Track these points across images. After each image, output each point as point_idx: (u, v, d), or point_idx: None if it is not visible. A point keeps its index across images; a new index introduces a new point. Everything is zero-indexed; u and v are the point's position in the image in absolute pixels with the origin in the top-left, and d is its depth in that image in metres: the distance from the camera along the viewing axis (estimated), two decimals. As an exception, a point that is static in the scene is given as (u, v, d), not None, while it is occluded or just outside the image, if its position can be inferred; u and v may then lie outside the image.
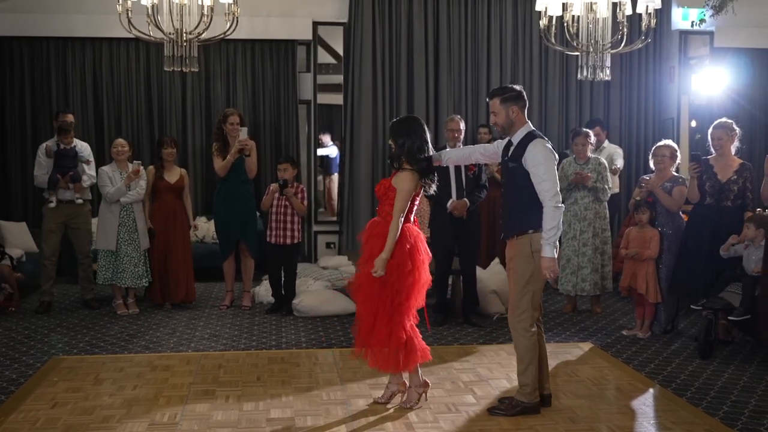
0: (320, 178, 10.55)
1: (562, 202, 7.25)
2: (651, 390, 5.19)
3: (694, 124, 10.33)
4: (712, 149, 6.42)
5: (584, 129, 7.63)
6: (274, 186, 7.30)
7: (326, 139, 10.33)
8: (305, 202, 7.50)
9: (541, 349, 4.70)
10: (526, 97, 4.70)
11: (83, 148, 7.78)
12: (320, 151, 10.27)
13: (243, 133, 7.39)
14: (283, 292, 7.52)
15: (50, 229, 7.62)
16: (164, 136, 8.46)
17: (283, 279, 7.53)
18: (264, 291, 7.94)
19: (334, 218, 10.23)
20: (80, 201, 7.64)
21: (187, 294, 7.70)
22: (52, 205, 7.52)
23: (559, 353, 6.06)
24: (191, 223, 7.79)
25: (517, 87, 4.71)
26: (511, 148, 4.67)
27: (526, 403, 4.63)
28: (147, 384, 5.27)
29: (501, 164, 4.93)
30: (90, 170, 7.72)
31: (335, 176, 10.42)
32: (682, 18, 10.20)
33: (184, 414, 4.68)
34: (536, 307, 4.62)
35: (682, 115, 10.39)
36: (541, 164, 4.48)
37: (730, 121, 6.49)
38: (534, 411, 4.63)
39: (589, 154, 7.37)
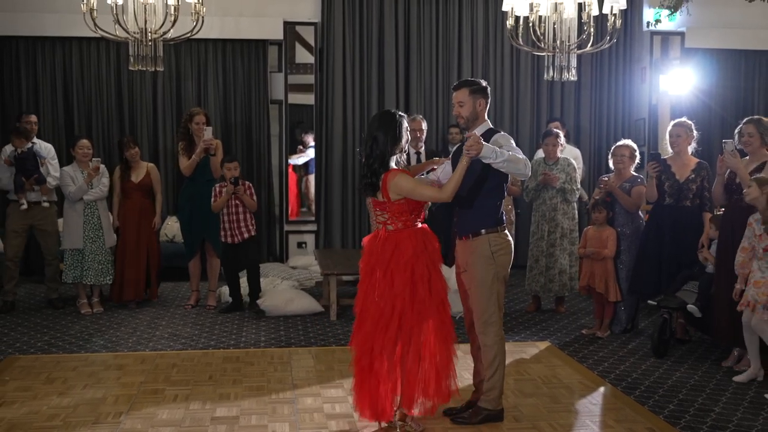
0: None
1: (531, 202, 7.34)
2: (601, 389, 5.21)
3: (672, 124, 10.37)
4: (669, 147, 6.44)
5: (555, 130, 7.63)
6: (228, 187, 7.27)
7: (309, 139, 10.24)
8: (254, 197, 7.50)
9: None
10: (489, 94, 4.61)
11: (45, 149, 7.76)
12: (300, 159, 10.26)
13: (208, 133, 7.39)
14: (247, 289, 7.52)
15: (14, 230, 7.60)
16: (123, 137, 8.39)
17: (247, 276, 7.54)
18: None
19: (307, 218, 10.21)
20: (47, 204, 7.64)
21: (150, 292, 7.80)
22: (24, 207, 7.50)
23: (516, 352, 6.08)
24: (155, 220, 7.79)
25: (483, 82, 4.57)
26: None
27: (490, 410, 4.48)
28: (98, 383, 5.27)
29: (452, 160, 4.70)
30: (54, 171, 7.70)
31: (311, 176, 10.32)
32: (653, 19, 10.22)
33: (129, 413, 4.68)
34: (501, 308, 4.49)
35: (661, 116, 10.42)
36: (510, 144, 4.37)
37: (690, 122, 6.50)
38: (497, 418, 4.50)
39: (559, 154, 7.39)
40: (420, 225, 4.40)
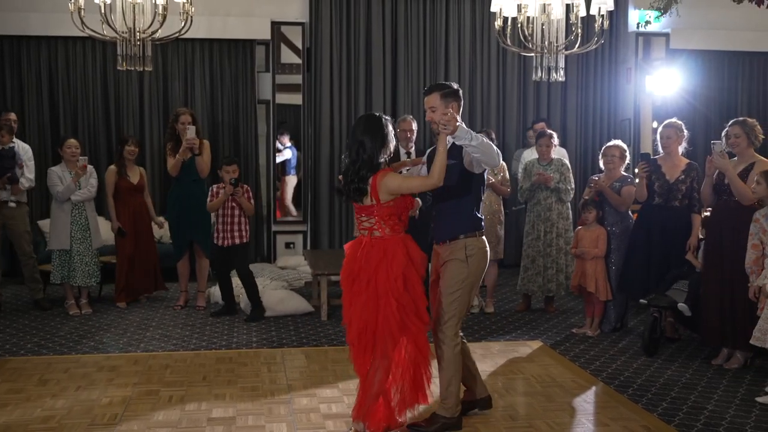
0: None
1: (526, 203, 7.37)
2: (594, 387, 5.25)
3: (655, 125, 10.46)
4: (659, 148, 6.50)
5: (549, 131, 7.68)
6: (227, 188, 7.14)
7: (284, 140, 10.23)
8: (252, 201, 7.42)
9: (467, 354, 4.56)
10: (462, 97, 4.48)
11: (24, 149, 7.68)
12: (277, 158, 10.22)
13: (191, 132, 7.34)
14: (239, 290, 7.46)
15: None
16: (127, 134, 8.45)
17: (240, 283, 7.41)
18: (219, 291, 7.88)
19: (292, 218, 10.18)
20: (13, 205, 7.53)
21: (157, 285, 7.98)
22: None
23: (508, 351, 6.12)
24: (156, 220, 7.95)
25: (455, 85, 4.47)
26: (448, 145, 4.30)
27: (447, 418, 4.37)
28: (91, 385, 5.24)
29: (428, 163, 4.56)
30: (29, 173, 7.63)
31: (288, 177, 10.28)
32: (639, 20, 10.30)
33: (125, 414, 4.66)
34: (463, 314, 4.39)
35: (643, 116, 10.52)
36: (485, 140, 4.21)
37: (680, 122, 6.57)
38: (455, 426, 4.40)
39: (552, 155, 7.43)
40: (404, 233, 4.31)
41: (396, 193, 4.20)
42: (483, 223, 4.46)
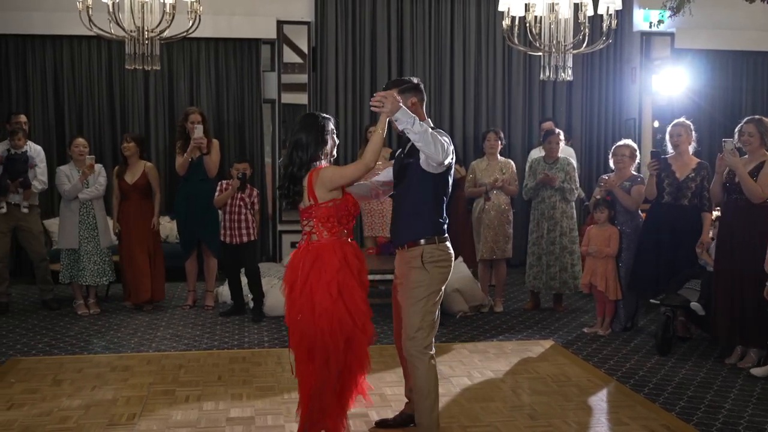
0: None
1: (530, 200, 7.37)
2: (610, 386, 5.25)
3: (656, 124, 10.48)
4: (669, 147, 6.51)
5: (557, 129, 7.70)
6: (233, 182, 7.10)
7: None
8: (258, 206, 7.36)
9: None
10: (424, 92, 4.22)
11: (36, 151, 7.64)
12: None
13: (198, 131, 7.31)
14: (250, 294, 7.40)
15: (1, 231, 7.49)
16: (124, 133, 8.41)
17: (246, 281, 7.39)
18: (227, 291, 7.87)
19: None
20: (26, 210, 7.50)
21: (153, 293, 7.59)
22: (3, 211, 7.39)
23: (521, 351, 6.12)
24: (153, 221, 7.64)
25: (415, 79, 4.22)
26: (408, 144, 4.10)
27: None
28: (106, 385, 5.23)
29: (394, 164, 4.32)
30: (41, 175, 7.59)
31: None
32: (643, 19, 10.33)
33: (142, 414, 4.65)
34: (432, 325, 4.03)
35: (644, 116, 10.54)
36: (443, 138, 3.91)
37: (688, 122, 6.58)
38: None
39: (559, 153, 7.44)
40: (348, 239, 4.03)
41: (334, 186, 3.90)
42: (446, 227, 4.14)
